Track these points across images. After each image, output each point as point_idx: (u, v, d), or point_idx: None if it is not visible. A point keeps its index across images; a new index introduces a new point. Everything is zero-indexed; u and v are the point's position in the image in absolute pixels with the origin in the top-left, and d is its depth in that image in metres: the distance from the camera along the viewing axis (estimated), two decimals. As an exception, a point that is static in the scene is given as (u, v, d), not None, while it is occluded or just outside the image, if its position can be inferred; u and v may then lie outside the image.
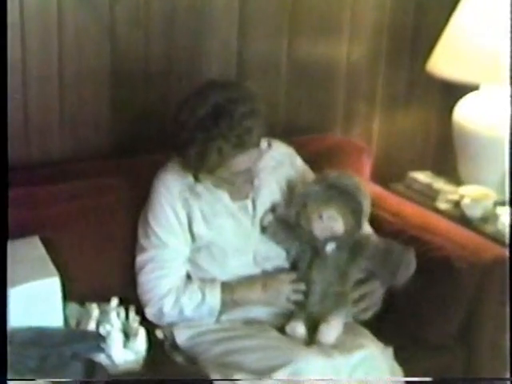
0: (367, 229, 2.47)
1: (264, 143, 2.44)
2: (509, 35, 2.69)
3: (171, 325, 2.36)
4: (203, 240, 2.35)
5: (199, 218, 2.35)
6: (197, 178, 2.33)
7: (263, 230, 2.41)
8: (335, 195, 2.29)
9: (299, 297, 2.33)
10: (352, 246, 2.33)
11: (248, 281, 2.36)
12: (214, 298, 2.32)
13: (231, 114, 2.19)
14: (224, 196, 2.38)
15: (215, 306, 2.32)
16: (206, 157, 2.21)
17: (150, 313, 2.35)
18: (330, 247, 2.33)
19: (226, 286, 2.34)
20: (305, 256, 2.38)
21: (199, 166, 2.25)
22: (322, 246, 2.33)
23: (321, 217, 2.30)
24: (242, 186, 2.38)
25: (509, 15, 2.77)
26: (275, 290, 2.34)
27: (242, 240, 2.39)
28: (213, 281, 2.35)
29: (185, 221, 2.34)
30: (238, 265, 2.37)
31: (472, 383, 2.61)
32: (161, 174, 2.38)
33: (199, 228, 2.35)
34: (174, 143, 2.28)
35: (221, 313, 2.34)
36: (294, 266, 2.41)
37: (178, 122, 2.25)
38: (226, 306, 2.33)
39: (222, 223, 2.37)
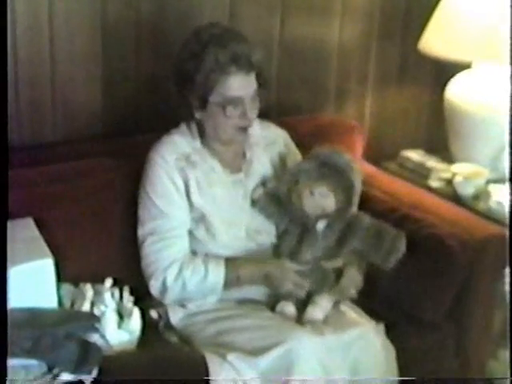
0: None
1: (257, 122, 2.46)
2: (508, 14, 2.69)
3: (167, 304, 2.36)
4: (198, 210, 2.36)
5: (195, 187, 2.36)
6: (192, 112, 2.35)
7: (253, 203, 2.42)
8: (327, 172, 2.30)
9: (301, 292, 2.33)
10: (343, 226, 2.34)
11: (252, 263, 2.37)
12: (218, 273, 2.31)
13: (231, 36, 2.31)
14: (218, 166, 2.40)
15: (218, 282, 2.31)
16: (203, 62, 2.27)
17: (154, 286, 2.33)
18: (321, 225, 2.34)
19: (231, 264, 2.33)
20: (294, 232, 2.39)
21: (196, 76, 2.28)
22: (312, 224, 2.34)
23: (312, 193, 2.31)
24: (235, 156, 2.43)
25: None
26: (279, 280, 2.33)
27: (234, 212, 2.40)
28: (217, 257, 2.35)
29: (182, 189, 2.35)
30: (231, 237, 2.38)
31: (472, 383, 2.63)
32: (156, 146, 2.39)
33: (195, 197, 2.36)
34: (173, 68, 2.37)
35: (223, 290, 2.34)
36: (280, 241, 2.42)
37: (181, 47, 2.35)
38: (229, 283, 2.33)
39: (215, 194, 2.38)
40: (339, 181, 2.30)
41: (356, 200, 2.35)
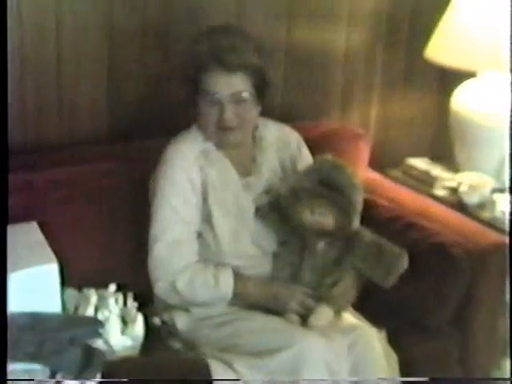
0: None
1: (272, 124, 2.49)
2: (508, 23, 2.69)
3: (172, 308, 2.36)
4: (207, 211, 2.34)
5: (212, 187, 2.34)
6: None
7: (256, 210, 2.41)
8: (327, 192, 2.27)
9: (305, 311, 2.30)
10: (343, 243, 2.33)
11: (261, 282, 2.36)
12: (227, 288, 2.30)
13: (225, 31, 2.31)
14: (231, 168, 2.38)
15: (227, 295, 2.31)
16: (187, 54, 2.30)
17: (161, 288, 2.31)
18: (321, 244, 2.34)
19: (241, 280, 2.32)
20: (294, 246, 2.39)
21: (183, 68, 2.32)
22: (312, 242, 2.34)
23: (312, 212, 2.29)
24: (246, 159, 2.42)
25: (508, 2, 2.78)
26: (286, 301, 2.31)
27: (241, 217, 2.38)
28: (226, 265, 2.33)
29: (199, 188, 2.33)
30: (237, 242, 2.36)
31: (471, 383, 2.63)
32: (175, 142, 2.37)
33: (209, 197, 2.34)
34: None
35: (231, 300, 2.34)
36: (281, 251, 2.41)
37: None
38: (237, 298, 2.32)
39: (226, 197, 2.37)
40: (339, 200, 2.27)
41: (356, 218, 2.32)
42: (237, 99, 2.28)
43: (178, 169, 2.32)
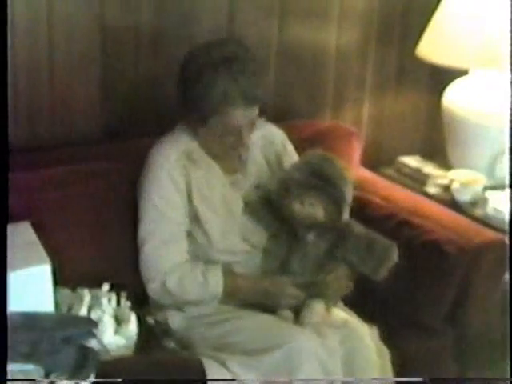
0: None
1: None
2: (507, 22, 2.70)
3: (166, 308, 2.37)
4: (194, 211, 2.35)
5: (196, 188, 2.35)
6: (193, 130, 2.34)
7: (245, 205, 2.42)
8: (317, 183, 2.27)
9: (297, 303, 2.31)
10: (333, 236, 2.33)
11: (251, 278, 2.37)
12: (217, 285, 2.31)
13: (243, 66, 2.25)
14: (216, 167, 2.39)
15: (217, 293, 2.32)
16: (211, 90, 2.24)
17: (153, 289, 2.34)
18: (311, 236, 2.33)
19: (230, 276, 2.33)
20: (283, 238, 2.39)
21: (200, 101, 2.27)
22: (302, 234, 2.34)
23: (302, 203, 2.29)
24: (231, 158, 2.41)
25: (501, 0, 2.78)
26: (277, 297, 2.32)
27: (229, 215, 2.39)
28: (215, 262, 2.35)
29: (183, 189, 2.34)
30: (226, 237, 2.37)
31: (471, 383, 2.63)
32: (157, 145, 2.38)
33: (195, 197, 2.35)
34: (178, 86, 2.33)
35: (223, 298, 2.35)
36: (270, 245, 2.42)
37: (187, 60, 2.31)
38: (228, 295, 2.33)
39: (213, 196, 2.38)
40: (330, 192, 2.27)
41: (346, 209, 2.32)
42: (252, 124, 2.33)
43: (161, 171, 2.34)
